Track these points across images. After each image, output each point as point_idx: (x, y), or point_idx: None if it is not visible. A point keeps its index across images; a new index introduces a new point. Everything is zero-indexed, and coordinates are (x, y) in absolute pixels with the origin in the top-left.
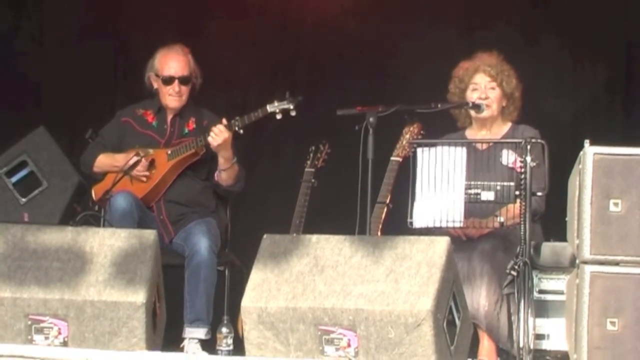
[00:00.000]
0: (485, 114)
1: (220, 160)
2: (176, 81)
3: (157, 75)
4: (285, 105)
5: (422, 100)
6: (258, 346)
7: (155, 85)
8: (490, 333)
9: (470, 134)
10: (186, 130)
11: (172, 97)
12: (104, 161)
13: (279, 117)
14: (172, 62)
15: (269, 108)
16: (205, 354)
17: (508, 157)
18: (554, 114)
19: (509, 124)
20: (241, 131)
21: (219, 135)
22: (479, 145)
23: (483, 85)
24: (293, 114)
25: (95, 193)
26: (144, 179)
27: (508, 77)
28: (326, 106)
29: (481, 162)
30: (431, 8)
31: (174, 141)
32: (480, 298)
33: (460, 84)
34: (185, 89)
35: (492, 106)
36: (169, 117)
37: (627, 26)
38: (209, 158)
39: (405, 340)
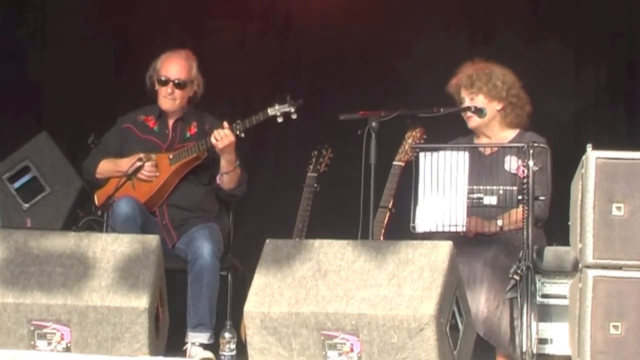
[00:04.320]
0: (472, 123)
1: (223, 163)
2: (170, 83)
3: (156, 77)
4: (286, 108)
5: (424, 104)
6: (261, 351)
7: (156, 87)
8: (488, 339)
9: (478, 138)
10: (188, 135)
11: (166, 99)
12: (106, 167)
13: (280, 120)
14: (171, 64)
15: (270, 111)
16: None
17: (511, 163)
18: (556, 117)
19: (517, 130)
20: (242, 135)
21: (224, 138)
22: (484, 150)
23: (467, 100)
24: (294, 117)
25: (97, 198)
26: (153, 178)
27: (488, 79)
28: (329, 111)
29: (485, 167)
30: (433, 13)
31: (176, 146)
32: (479, 304)
33: (457, 99)
34: (179, 93)
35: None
36: (170, 122)
37: (629, 28)
38: (211, 162)
39: (408, 345)
